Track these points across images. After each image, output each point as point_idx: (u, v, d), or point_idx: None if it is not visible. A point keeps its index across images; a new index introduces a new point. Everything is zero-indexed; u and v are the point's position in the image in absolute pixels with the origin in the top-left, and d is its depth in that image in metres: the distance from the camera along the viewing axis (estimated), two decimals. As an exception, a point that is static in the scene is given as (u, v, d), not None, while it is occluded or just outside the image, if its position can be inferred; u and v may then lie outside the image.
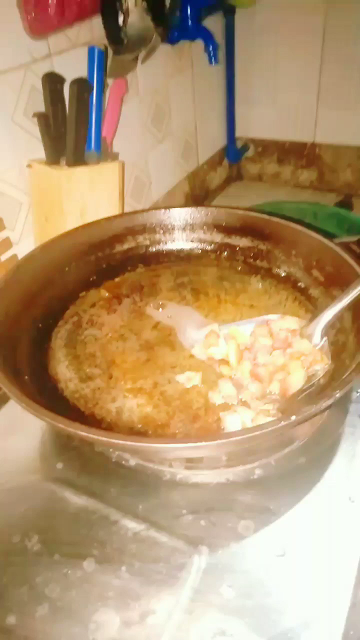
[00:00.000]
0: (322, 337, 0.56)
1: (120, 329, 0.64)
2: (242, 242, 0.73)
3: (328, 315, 0.56)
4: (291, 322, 0.59)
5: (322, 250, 0.64)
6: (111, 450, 0.54)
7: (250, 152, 1.42)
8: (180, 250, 0.76)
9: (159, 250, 0.76)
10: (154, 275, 0.72)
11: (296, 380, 0.52)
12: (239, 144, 1.40)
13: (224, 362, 0.57)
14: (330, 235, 0.65)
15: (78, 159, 0.74)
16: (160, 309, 0.66)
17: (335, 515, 0.48)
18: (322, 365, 0.55)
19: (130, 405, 0.54)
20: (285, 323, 0.59)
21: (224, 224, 0.74)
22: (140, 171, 1.03)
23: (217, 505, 0.49)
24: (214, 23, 1.12)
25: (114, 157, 0.80)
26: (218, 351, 0.58)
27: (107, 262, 0.73)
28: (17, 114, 0.70)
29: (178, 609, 0.42)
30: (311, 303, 0.65)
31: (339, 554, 0.45)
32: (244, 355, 0.57)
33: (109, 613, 0.42)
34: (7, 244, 0.74)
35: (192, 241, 0.76)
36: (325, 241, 0.63)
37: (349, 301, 0.55)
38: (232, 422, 0.50)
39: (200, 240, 0.75)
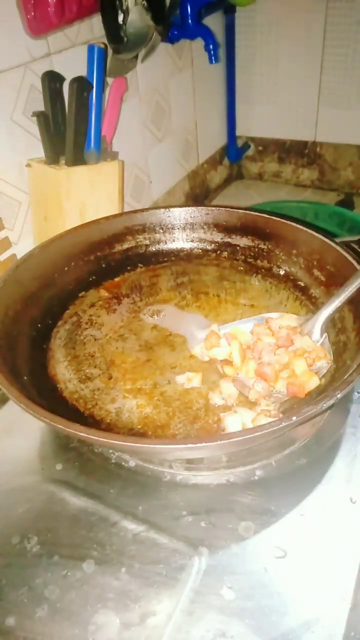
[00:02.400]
0: (322, 334, 0.56)
1: (119, 329, 0.64)
2: (243, 241, 0.73)
3: (326, 311, 0.56)
4: (290, 320, 0.59)
5: (323, 250, 0.63)
6: (111, 451, 0.54)
7: (250, 151, 1.42)
8: (180, 250, 0.75)
9: (159, 249, 0.75)
10: (153, 275, 0.72)
11: (312, 381, 0.52)
12: (239, 143, 1.39)
13: (227, 362, 0.57)
14: (331, 235, 0.65)
15: (77, 158, 0.74)
16: (155, 316, 0.65)
17: (336, 516, 0.47)
18: (325, 362, 0.54)
19: (129, 405, 0.54)
20: (284, 321, 0.59)
21: (224, 224, 0.73)
22: (140, 170, 1.02)
23: (217, 507, 0.49)
24: (214, 21, 1.12)
25: (114, 156, 0.79)
26: (220, 351, 0.58)
27: (107, 261, 0.72)
28: (17, 113, 0.70)
29: (178, 610, 0.42)
30: (312, 303, 0.65)
31: (339, 555, 0.45)
32: (247, 354, 0.56)
33: (109, 614, 0.42)
34: (6, 243, 0.74)
35: (192, 241, 0.75)
36: (326, 240, 0.63)
37: (347, 297, 0.55)
38: (232, 422, 0.50)
39: (201, 240, 0.75)
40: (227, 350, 0.57)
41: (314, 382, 0.52)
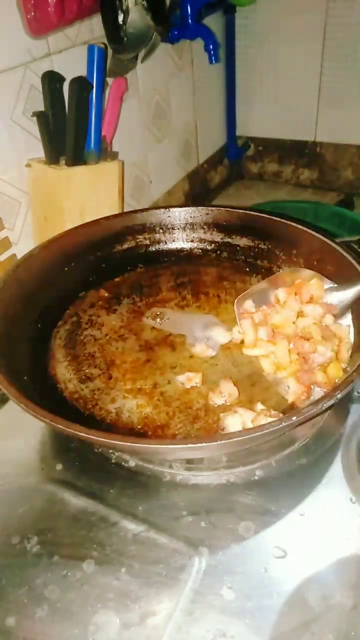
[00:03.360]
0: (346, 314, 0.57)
1: (119, 330, 0.64)
2: (243, 241, 0.73)
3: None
4: (319, 288, 0.59)
5: (323, 250, 0.63)
6: (111, 451, 0.54)
7: (250, 151, 1.41)
8: (181, 250, 0.75)
9: (159, 249, 0.75)
10: (153, 275, 0.72)
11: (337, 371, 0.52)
12: (239, 143, 1.39)
13: (266, 357, 0.55)
14: (331, 235, 0.65)
15: (77, 158, 0.74)
16: (158, 320, 0.65)
17: (336, 516, 0.47)
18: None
19: (129, 406, 0.54)
20: (313, 289, 0.58)
21: (224, 224, 0.73)
22: (140, 170, 1.02)
23: (217, 507, 0.49)
24: (214, 22, 1.12)
25: (114, 156, 0.79)
26: (261, 351, 0.56)
27: (107, 261, 0.72)
28: (17, 113, 0.70)
29: (178, 610, 0.42)
30: (312, 303, 0.65)
31: (339, 555, 0.45)
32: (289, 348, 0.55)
33: (109, 614, 0.42)
34: (6, 243, 0.74)
35: (192, 241, 0.75)
36: (327, 240, 0.63)
37: None
38: (232, 422, 0.50)
39: (201, 240, 0.75)
40: (269, 349, 0.55)
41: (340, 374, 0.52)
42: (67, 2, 0.66)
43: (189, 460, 0.52)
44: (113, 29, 0.75)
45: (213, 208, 0.74)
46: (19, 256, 0.70)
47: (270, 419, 0.48)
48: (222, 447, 0.45)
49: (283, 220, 0.68)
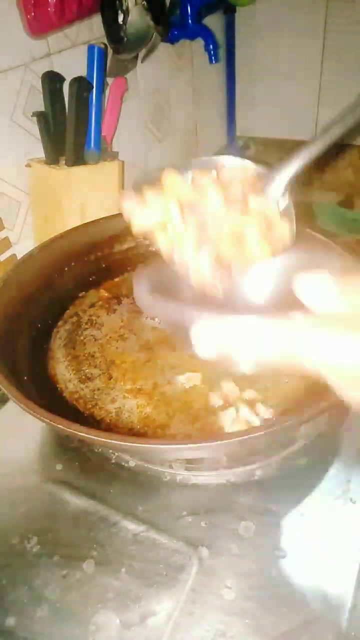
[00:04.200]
0: (285, 196, 0.43)
1: (119, 330, 0.64)
2: (243, 241, 0.73)
3: (296, 165, 0.44)
4: (247, 171, 0.43)
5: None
6: (111, 451, 0.54)
7: (250, 151, 1.41)
8: (181, 250, 0.75)
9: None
10: (154, 275, 0.72)
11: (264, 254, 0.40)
12: (239, 143, 1.39)
13: (161, 226, 0.41)
14: (331, 235, 0.65)
15: (77, 158, 0.74)
16: (157, 319, 0.65)
17: (337, 517, 0.47)
18: (287, 233, 0.42)
19: (129, 405, 0.54)
20: (239, 172, 0.43)
21: (224, 224, 0.73)
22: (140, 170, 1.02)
23: (217, 507, 0.49)
24: (214, 22, 1.12)
25: (114, 156, 0.79)
26: (150, 215, 0.41)
27: (107, 262, 0.72)
28: (17, 114, 0.70)
29: (178, 610, 0.42)
30: (312, 303, 0.65)
31: (339, 555, 0.45)
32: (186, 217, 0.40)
33: (109, 614, 0.42)
34: (6, 243, 0.74)
35: (192, 241, 0.75)
36: (327, 240, 0.63)
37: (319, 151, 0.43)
38: (227, 417, 0.50)
39: (201, 240, 0.75)
40: (158, 212, 0.41)
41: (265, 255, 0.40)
42: (67, 2, 0.66)
43: (189, 460, 0.52)
44: (113, 29, 0.75)
45: (213, 208, 0.74)
46: (19, 256, 0.70)
47: (269, 417, 0.48)
48: (222, 447, 0.45)
49: (283, 220, 0.68)
